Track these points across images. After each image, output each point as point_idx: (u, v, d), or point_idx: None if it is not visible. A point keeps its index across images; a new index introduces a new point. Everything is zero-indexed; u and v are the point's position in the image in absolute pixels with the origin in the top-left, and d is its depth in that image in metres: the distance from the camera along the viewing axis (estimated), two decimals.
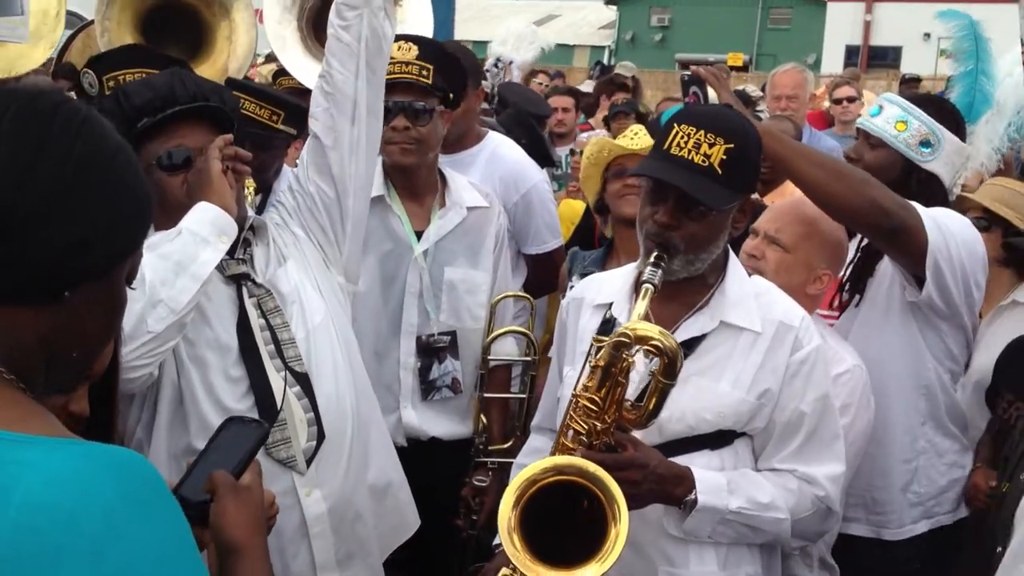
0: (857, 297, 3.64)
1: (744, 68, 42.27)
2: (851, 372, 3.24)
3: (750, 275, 2.93)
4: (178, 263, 2.67)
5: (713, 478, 2.71)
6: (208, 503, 1.82)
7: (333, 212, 3.11)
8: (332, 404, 2.93)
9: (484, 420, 4.07)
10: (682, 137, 2.68)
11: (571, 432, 2.64)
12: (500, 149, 4.68)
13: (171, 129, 2.84)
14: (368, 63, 3.05)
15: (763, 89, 11.38)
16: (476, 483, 4.00)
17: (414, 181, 3.94)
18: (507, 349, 4.09)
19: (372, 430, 3.13)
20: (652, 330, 2.52)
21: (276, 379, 2.85)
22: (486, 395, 4.06)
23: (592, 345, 2.64)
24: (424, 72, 3.80)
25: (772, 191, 5.02)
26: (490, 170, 4.55)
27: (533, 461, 2.98)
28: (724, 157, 2.65)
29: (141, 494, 1.32)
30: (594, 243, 4.95)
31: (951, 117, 3.75)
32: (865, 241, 3.59)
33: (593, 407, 2.59)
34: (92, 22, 7.78)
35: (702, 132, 2.67)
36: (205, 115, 2.89)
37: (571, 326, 3.03)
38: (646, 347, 2.52)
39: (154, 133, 2.83)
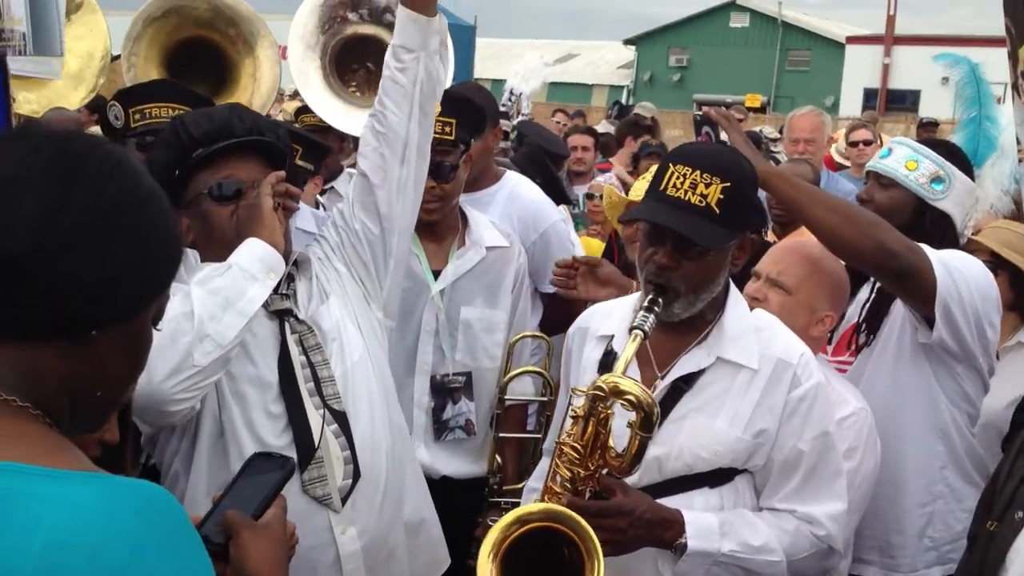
0: (871, 338, 3.66)
1: (762, 109, 42.35)
2: (856, 415, 3.23)
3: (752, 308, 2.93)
4: (226, 299, 2.70)
5: (704, 521, 2.71)
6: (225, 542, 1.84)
7: (376, 249, 3.13)
8: (368, 442, 2.94)
9: (499, 459, 4.07)
10: (678, 177, 2.68)
11: (558, 477, 2.66)
12: (518, 188, 4.70)
13: (224, 161, 2.89)
14: (421, 106, 3.08)
15: (781, 131, 11.44)
16: (490, 523, 3.96)
17: (435, 224, 3.97)
18: (523, 388, 4.10)
19: (407, 467, 3.14)
20: (628, 384, 2.54)
21: (314, 416, 2.86)
22: (501, 435, 4.06)
23: (571, 395, 2.67)
24: (447, 128, 3.85)
25: (791, 233, 5.03)
26: (508, 209, 4.56)
27: (542, 484, 3.05)
28: (721, 196, 2.66)
29: (165, 529, 1.34)
30: None
31: (961, 159, 3.78)
32: (878, 284, 3.61)
33: (576, 454, 2.61)
34: (118, 57, 7.91)
35: (698, 172, 2.67)
36: (259, 149, 2.94)
37: (575, 355, 3.05)
38: (621, 400, 2.54)
39: (208, 163, 2.88)
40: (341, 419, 2.90)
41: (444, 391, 3.95)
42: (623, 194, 5.42)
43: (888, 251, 3.23)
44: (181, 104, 3.84)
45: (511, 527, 2.51)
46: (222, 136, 2.88)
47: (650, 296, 2.69)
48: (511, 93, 10.47)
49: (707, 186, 2.66)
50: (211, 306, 2.67)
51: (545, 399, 4.14)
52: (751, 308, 3.00)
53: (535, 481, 3.21)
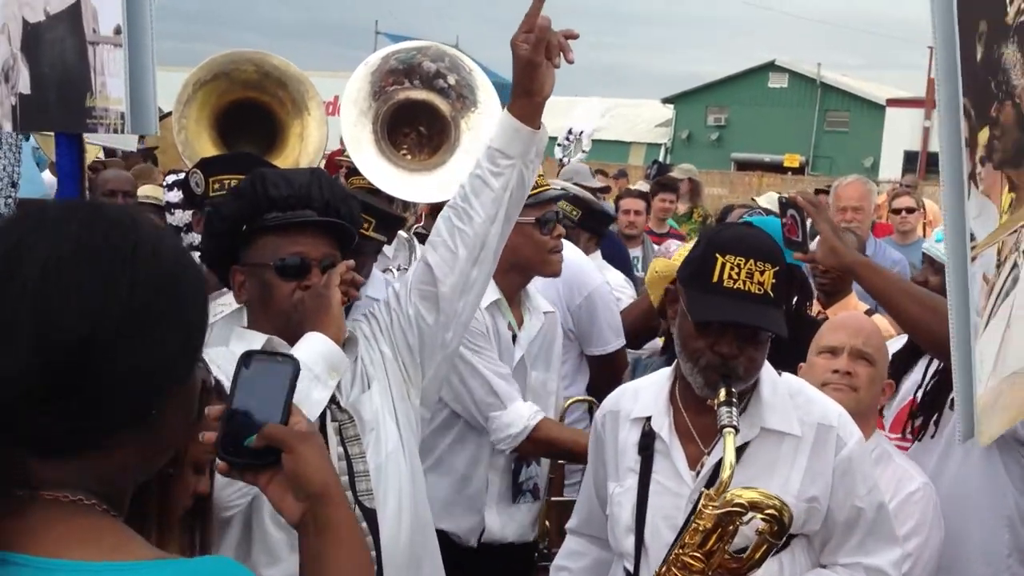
0: (933, 427, 3.60)
1: (800, 170, 42.36)
2: (922, 491, 3.25)
3: (780, 374, 2.98)
4: None
5: None
6: (262, 453, 1.72)
7: (426, 338, 3.03)
8: (393, 542, 2.83)
9: (547, 523, 4.09)
10: (732, 268, 2.74)
11: None
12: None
13: (295, 232, 2.82)
14: (508, 211, 2.99)
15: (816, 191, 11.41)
16: None
17: (520, 288, 4.01)
18: None
19: (424, 567, 3.00)
20: (765, 498, 2.60)
21: None
22: (555, 499, 4.09)
23: (698, 506, 2.68)
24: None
25: (835, 303, 5.02)
26: None
27: (573, 563, 3.21)
28: (774, 281, 2.75)
29: None
30: None
31: None
32: (935, 368, 3.57)
33: (695, 563, 2.66)
34: (169, 114, 8.03)
35: (752, 261, 2.74)
36: (331, 227, 2.88)
37: (609, 439, 3.08)
38: (762, 515, 2.59)
39: (278, 229, 2.82)
40: (371, 517, 2.78)
41: (519, 457, 3.93)
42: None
43: None
44: None
45: None
46: (300, 203, 2.82)
47: (724, 389, 2.73)
48: (570, 132, 10.46)
49: (761, 273, 2.74)
50: None
51: None
52: (841, 383, 3.17)
53: (563, 559, 3.30)
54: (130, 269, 1.37)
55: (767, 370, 2.92)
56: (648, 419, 2.97)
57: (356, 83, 5.17)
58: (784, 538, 2.61)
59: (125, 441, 1.40)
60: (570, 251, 4.83)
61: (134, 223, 1.42)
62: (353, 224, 2.94)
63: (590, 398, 4.38)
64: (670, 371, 3.03)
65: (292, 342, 2.73)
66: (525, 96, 2.88)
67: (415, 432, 3.07)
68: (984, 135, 2.13)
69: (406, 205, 5.75)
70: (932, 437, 3.62)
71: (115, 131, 3.20)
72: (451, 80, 5.25)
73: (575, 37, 2.85)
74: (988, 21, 2.05)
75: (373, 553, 2.74)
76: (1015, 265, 2.20)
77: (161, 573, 1.33)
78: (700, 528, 2.64)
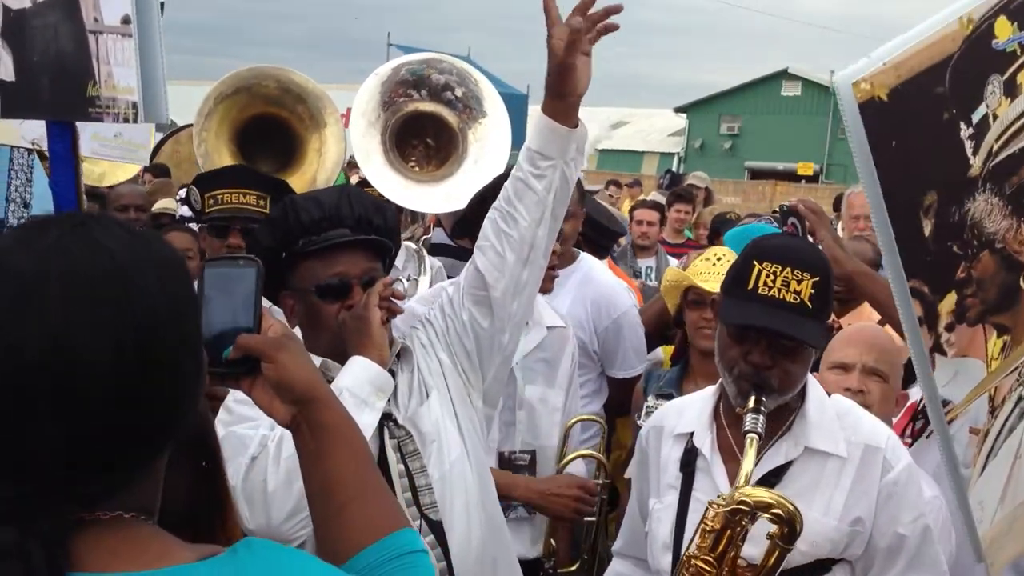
0: (930, 429, 3.62)
1: (814, 178, 42.22)
2: (931, 503, 3.18)
3: (829, 394, 2.92)
4: None
5: None
6: (241, 361, 1.71)
7: (483, 341, 3.00)
8: (463, 551, 2.81)
9: (553, 542, 4.04)
10: (768, 276, 2.69)
11: None
12: (593, 272, 4.74)
13: (331, 253, 2.84)
14: (554, 211, 2.94)
15: (835, 202, 11.40)
16: None
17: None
18: (578, 471, 4.07)
19: (500, 567, 2.98)
20: (772, 498, 2.54)
21: None
22: None
23: (708, 508, 2.64)
24: None
25: (849, 312, 5.01)
26: (582, 293, 4.60)
27: None
28: (812, 291, 2.67)
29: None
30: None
31: None
32: None
33: (707, 567, 2.60)
34: (182, 128, 8.09)
35: (788, 269, 2.68)
36: (368, 242, 2.89)
37: (652, 455, 3.04)
38: (768, 515, 2.53)
39: (315, 253, 2.84)
40: (437, 529, 2.78)
41: (511, 468, 3.93)
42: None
43: None
44: (252, 189, 3.94)
45: None
46: (332, 224, 2.84)
47: (753, 397, 2.69)
48: None
49: (799, 282, 2.68)
50: None
51: (600, 483, 4.11)
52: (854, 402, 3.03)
53: None
54: (132, 324, 1.34)
55: (815, 388, 2.87)
56: (691, 435, 2.92)
57: (366, 94, 5.21)
58: (794, 542, 2.53)
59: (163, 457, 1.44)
60: (602, 272, 4.86)
61: (121, 271, 1.36)
62: (390, 235, 2.94)
63: (594, 417, 4.35)
64: (715, 388, 2.99)
65: (344, 362, 2.76)
66: (558, 98, 2.83)
67: (479, 434, 3.06)
68: (949, 302, 2.14)
69: (414, 216, 5.80)
70: (927, 437, 3.63)
71: (125, 120, 3.19)
72: (459, 92, 5.28)
73: (618, 11, 2.72)
74: (939, 189, 2.07)
75: (443, 564, 2.76)
76: (1021, 398, 2.21)
77: (212, 569, 1.36)
78: (709, 529, 2.59)
